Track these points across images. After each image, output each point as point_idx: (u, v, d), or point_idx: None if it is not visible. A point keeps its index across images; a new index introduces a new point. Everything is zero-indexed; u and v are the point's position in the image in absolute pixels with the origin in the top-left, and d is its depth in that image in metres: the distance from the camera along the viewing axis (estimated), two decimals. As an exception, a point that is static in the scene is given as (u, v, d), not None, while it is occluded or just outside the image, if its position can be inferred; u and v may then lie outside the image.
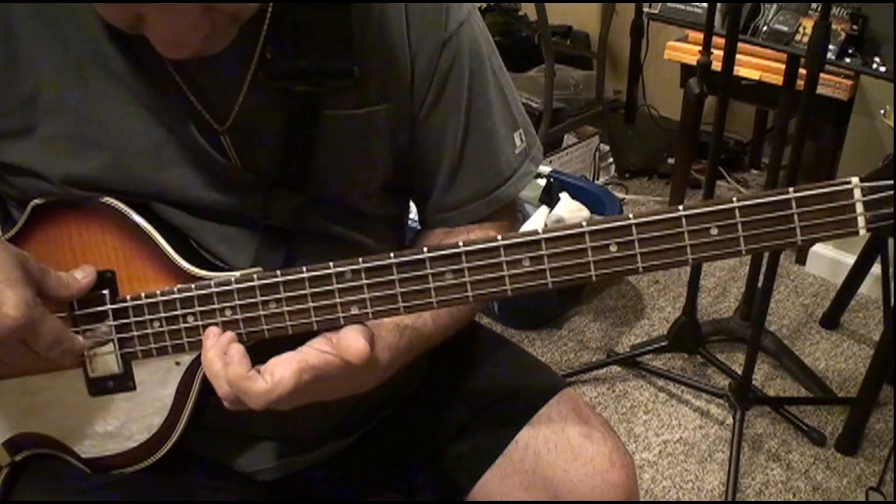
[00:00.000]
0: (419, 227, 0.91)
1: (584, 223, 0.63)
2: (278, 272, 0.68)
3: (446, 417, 0.92)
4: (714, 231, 0.61)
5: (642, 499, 1.64)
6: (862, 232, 0.60)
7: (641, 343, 2.05)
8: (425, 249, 0.65)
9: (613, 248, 0.62)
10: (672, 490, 1.66)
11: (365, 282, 0.66)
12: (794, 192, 0.59)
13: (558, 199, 2.15)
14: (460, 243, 0.64)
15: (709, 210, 0.61)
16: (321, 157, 0.75)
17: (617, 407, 1.87)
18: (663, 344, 1.92)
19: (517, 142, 0.85)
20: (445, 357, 0.96)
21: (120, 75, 0.69)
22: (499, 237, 0.64)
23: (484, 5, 3.03)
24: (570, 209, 2.14)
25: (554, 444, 0.86)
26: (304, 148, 0.73)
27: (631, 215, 0.62)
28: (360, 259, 0.66)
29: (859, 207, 0.59)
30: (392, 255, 0.66)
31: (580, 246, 0.63)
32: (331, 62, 0.71)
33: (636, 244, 0.62)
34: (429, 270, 0.65)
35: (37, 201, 0.73)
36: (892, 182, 0.59)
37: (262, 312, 0.69)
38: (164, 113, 0.70)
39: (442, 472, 0.91)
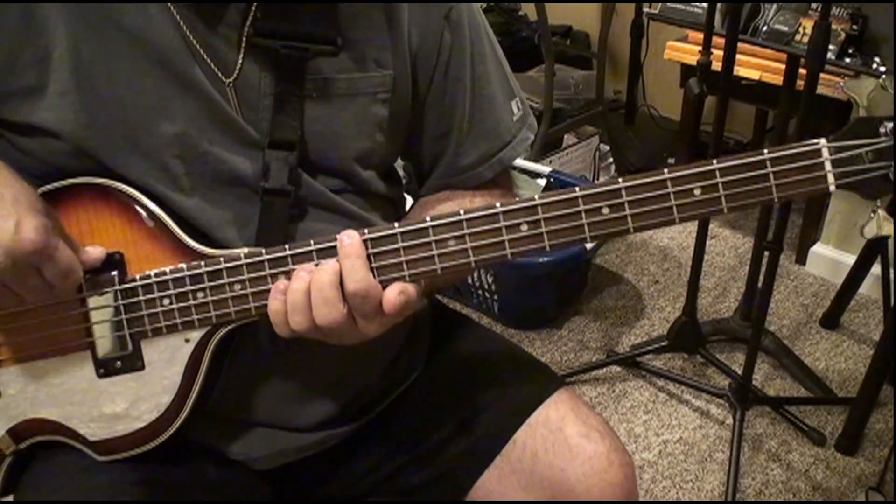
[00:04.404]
0: (421, 195, 0.94)
1: (577, 188, 0.68)
2: (286, 246, 0.71)
3: (444, 416, 0.92)
4: (697, 191, 0.67)
5: (642, 499, 1.64)
6: (832, 188, 0.66)
7: (641, 343, 2.05)
8: (427, 218, 0.69)
9: (606, 211, 0.68)
10: (672, 490, 1.66)
11: (370, 251, 0.69)
12: (769, 153, 0.66)
13: (558, 199, 2.15)
14: (461, 211, 0.68)
15: (692, 172, 0.67)
16: (311, 116, 0.78)
17: (617, 407, 1.87)
18: (663, 344, 1.92)
19: (514, 109, 0.91)
20: (444, 355, 0.97)
21: (132, 32, 0.72)
22: (498, 204, 0.69)
23: (484, 5, 3.03)
24: (570, 209, 2.14)
25: (552, 443, 0.86)
26: (293, 107, 0.77)
27: (620, 180, 0.67)
28: (365, 230, 0.69)
29: (828, 165, 0.66)
30: (396, 224, 0.69)
31: (574, 209, 0.67)
32: (315, 28, 0.76)
33: (626, 206, 0.67)
34: (432, 238, 0.69)
35: (45, 188, 0.75)
36: (857, 142, 0.65)
37: (271, 286, 0.71)
38: (175, 68, 0.73)
39: (441, 472, 0.91)
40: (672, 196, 0.67)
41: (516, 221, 0.68)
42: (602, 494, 0.84)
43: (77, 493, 0.79)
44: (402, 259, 0.69)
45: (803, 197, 0.67)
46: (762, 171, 0.66)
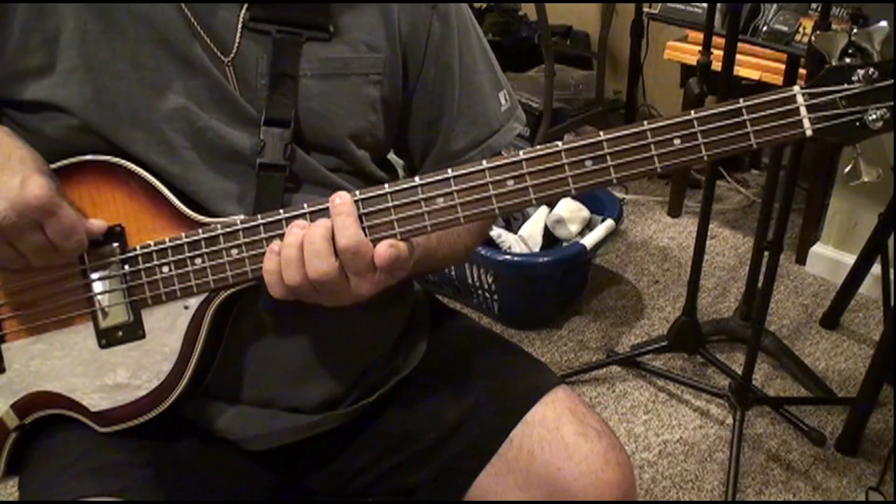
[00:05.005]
0: None
1: (559, 143, 0.70)
2: (281, 210, 0.74)
3: (441, 414, 0.92)
4: (677, 141, 0.69)
5: (642, 499, 1.64)
6: (809, 133, 0.68)
7: (641, 343, 2.05)
8: (417, 178, 0.71)
9: (589, 164, 0.70)
10: (672, 490, 1.66)
11: (362, 211, 0.72)
12: (744, 101, 0.68)
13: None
14: (449, 170, 0.71)
15: (671, 122, 0.69)
16: (306, 94, 0.80)
17: (617, 407, 1.87)
18: (663, 344, 1.92)
19: (502, 100, 0.93)
20: (441, 352, 0.97)
21: (136, 12, 0.76)
22: (484, 161, 0.71)
23: (484, 5, 3.03)
24: (570, 209, 2.14)
25: (548, 442, 0.86)
26: (289, 87, 0.80)
27: (601, 133, 0.69)
28: (357, 191, 0.72)
29: (803, 111, 0.68)
30: (386, 185, 0.72)
31: (558, 163, 0.70)
32: (308, 16, 0.80)
33: (608, 158, 0.69)
34: (421, 196, 0.72)
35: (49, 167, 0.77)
36: (832, 88, 0.67)
37: (266, 249, 0.73)
38: (176, 46, 0.77)
39: (439, 472, 0.91)
40: (653, 146, 0.69)
41: (502, 177, 0.71)
42: (598, 494, 0.84)
43: (80, 476, 0.79)
44: (393, 217, 0.72)
45: (781, 142, 0.69)
46: (739, 119, 0.68)
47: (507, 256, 2.00)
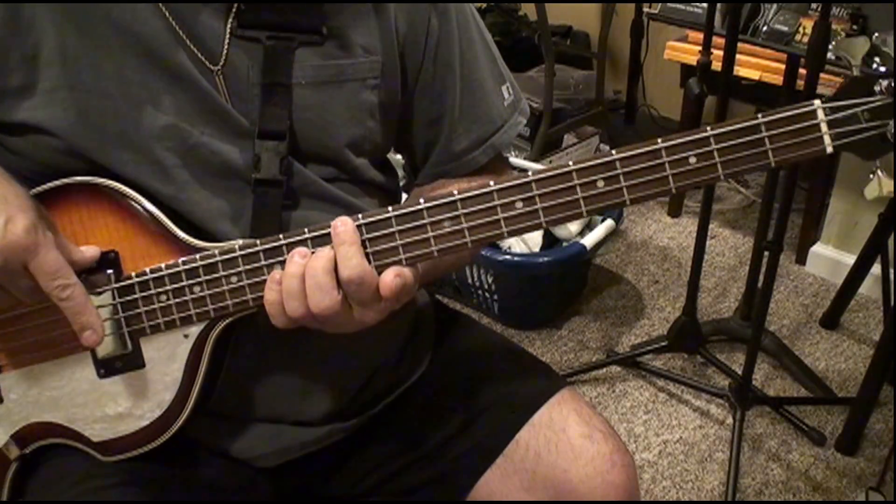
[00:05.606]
0: (416, 185, 0.94)
1: (570, 163, 0.67)
2: (281, 235, 0.70)
3: (447, 416, 0.92)
4: (693, 160, 0.65)
5: (642, 499, 1.64)
6: (829, 149, 0.64)
7: (641, 343, 2.05)
8: (422, 200, 0.68)
9: (601, 184, 0.67)
10: (672, 490, 1.66)
11: (366, 237, 0.69)
12: (763, 117, 0.64)
13: (558, 199, 2.15)
14: (455, 192, 0.68)
15: (686, 140, 0.65)
16: (300, 104, 0.77)
17: (617, 407, 1.87)
18: (663, 344, 1.92)
19: (505, 94, 0.91)
20: (447, 355, 0.97)
21: (119, 25, 0.72)
22: (491, 183, 0.68)
23: (484, 5, 3.03)
24: (570, 209, 2.14)
25: (555, 444, 0.86)
26: (282, 96, 0.76)
27: (614, 151, 0.66)
28: (360, 215, 0.69)
29: (824, 127, 0.64)
30: (390, 208, 0.69)
31: (569, 184, 0.67)
32: (299, 18, 0.77)
33: (621, 178, 0.66)
34: (427, 220, 0.69)
35: (36, 189, 0.75)
36: (853, 101, 0.64)
37: (267, 277, 0.71)
38: (162, 58, 0.73)
39: (442, 472, 0.91)
40: (667, 165, 0.66)
41: (511, 199, 0.67)
42: (604, 495, 0.84)
43: (81, 496, 0.78)
44: (398, 243, 0.69)
45: (801, 159, 0.65)
46: (757, 136, 0.65)
47: (507, 256, 2.00)
